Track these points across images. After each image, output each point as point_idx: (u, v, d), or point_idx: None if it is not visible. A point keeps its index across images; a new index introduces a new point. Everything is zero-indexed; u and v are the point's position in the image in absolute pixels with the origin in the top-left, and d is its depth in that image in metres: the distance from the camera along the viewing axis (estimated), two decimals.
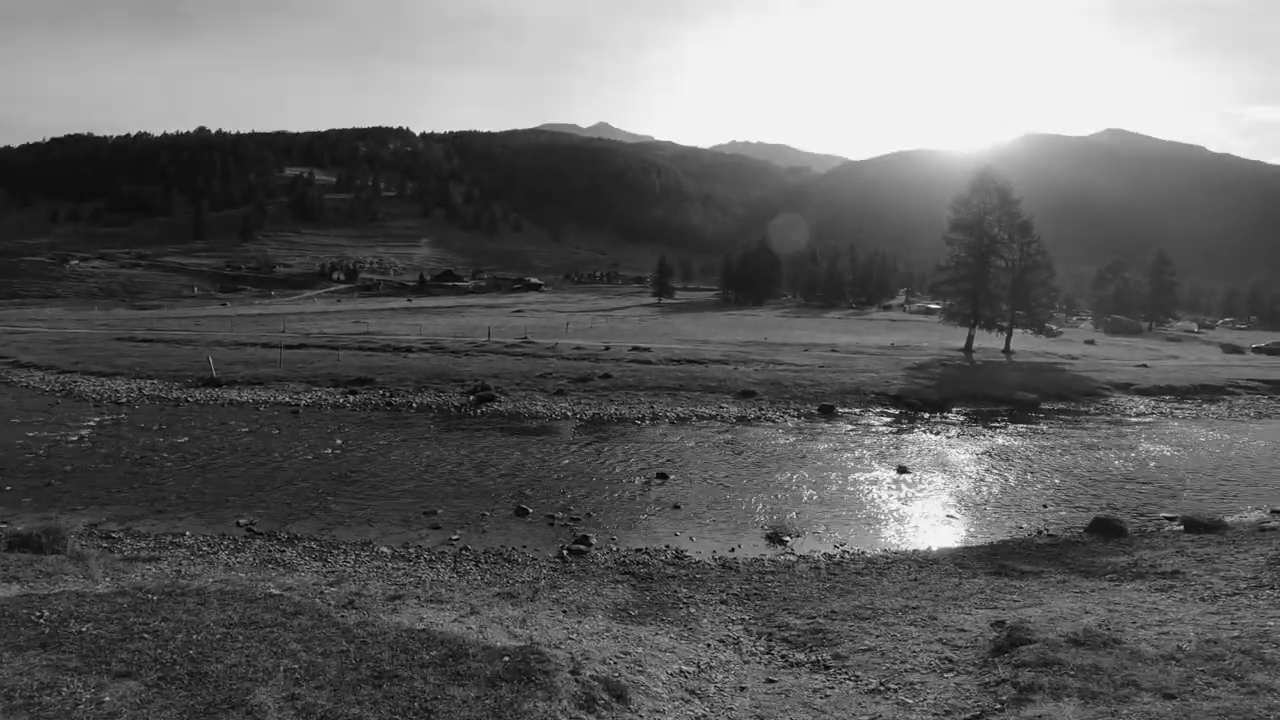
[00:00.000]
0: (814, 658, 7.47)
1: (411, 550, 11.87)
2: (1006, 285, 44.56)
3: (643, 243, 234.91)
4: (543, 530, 13.27)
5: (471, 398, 25.66)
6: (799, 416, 24.99)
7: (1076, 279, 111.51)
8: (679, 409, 24.94)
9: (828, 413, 25.61)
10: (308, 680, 5.50)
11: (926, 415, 26.22)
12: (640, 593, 9.90)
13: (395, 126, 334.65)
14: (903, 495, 16.13)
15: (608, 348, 38.36)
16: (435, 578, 10.29)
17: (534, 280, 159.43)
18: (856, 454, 19.99)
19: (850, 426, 23.96)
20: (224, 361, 31.33)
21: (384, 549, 11.86)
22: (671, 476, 16.96)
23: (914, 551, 12.32)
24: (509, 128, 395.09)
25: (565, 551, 12.00)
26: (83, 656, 5.56)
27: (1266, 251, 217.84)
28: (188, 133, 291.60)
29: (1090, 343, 60.90)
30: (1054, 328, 62.12)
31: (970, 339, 45.51)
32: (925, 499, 15.95)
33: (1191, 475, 18.52)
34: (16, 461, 17.21)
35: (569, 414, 24.10)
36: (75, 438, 19.80)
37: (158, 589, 7.72)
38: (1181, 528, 13.42)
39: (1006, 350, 45.15)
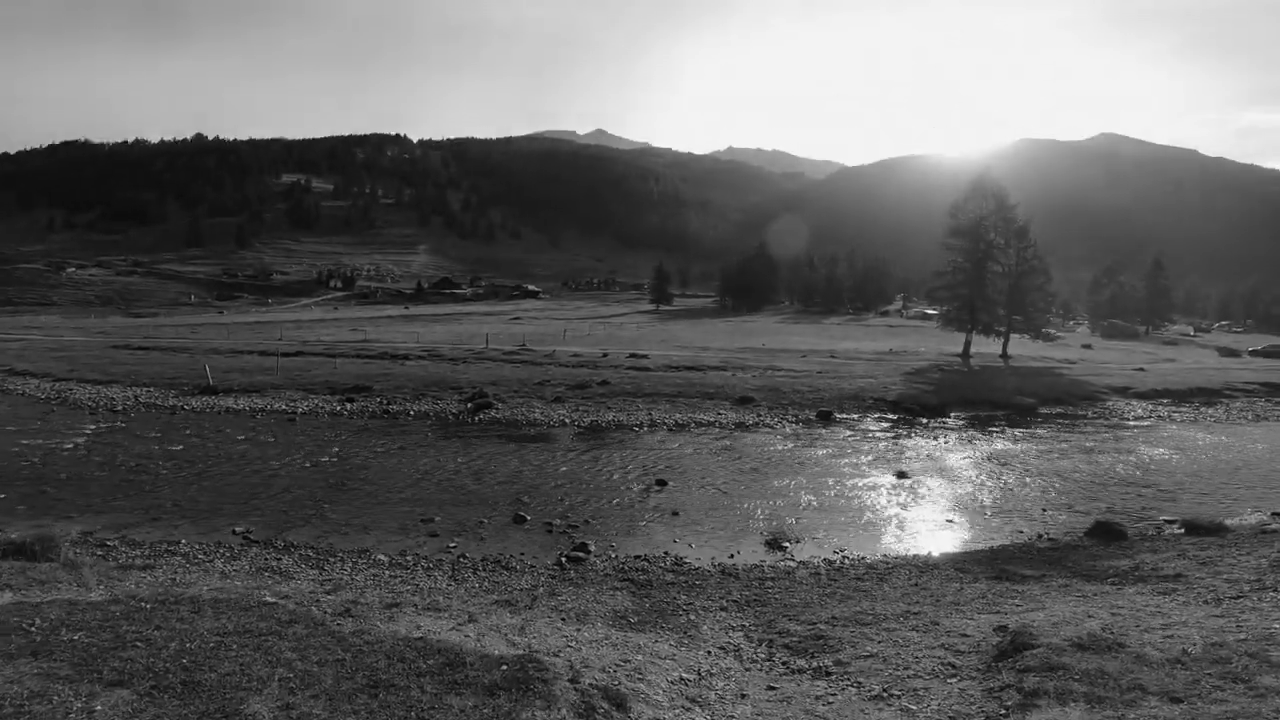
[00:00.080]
0: (815, 664, 7.39)
1: (409, 558, 11.77)
2: (1003, 290, 44.66)
3: (640, 249, 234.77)
4: (541, 537, 13.17)
5: (469, 405, 25.57)
6: (797, 422, 24.94)
7: (1073, 283, 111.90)
8: (677, 415, 24.88)
9: (826, 418, 25.57)
10: (303, 689, 5.42)
11: (925, 420, 26.19)
12: (639, 600, 9.80)
13: (393, 133, 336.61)
14: (902, 500, 16.07)
15: (606, 354, 38.32)
16: (433, 585, 10.20)
17: (532, 287, 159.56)
18: (855, 459, 19.95)
19: (849, 432, 23.92)
20: (220, 369, 31.20)
21: (381, 557, 11.75)
22: (670, 483, 16.88)
23: (914, 556, 12.24)
24: (506, 134, 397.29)
25: (564, 559, 11.89)
26: (74, 665, 5.49)
27: (1262, 255, 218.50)
28: (184, 139, 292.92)
29: (1087, 347, 61.01)
30: (1051, 332, 62.41)
31: (968, 344, 45.59)
32: (925, 504, 15.90)
33: (1190, 478, 18.50)
34: (11, 469, 17.09)
35: (567, 421, 24.03)
36: (70, 445, 19.69)
37: (151, 597, 7.64)
38: (1182, 531, 13.37)
39: (1004, 355, 45.22)
